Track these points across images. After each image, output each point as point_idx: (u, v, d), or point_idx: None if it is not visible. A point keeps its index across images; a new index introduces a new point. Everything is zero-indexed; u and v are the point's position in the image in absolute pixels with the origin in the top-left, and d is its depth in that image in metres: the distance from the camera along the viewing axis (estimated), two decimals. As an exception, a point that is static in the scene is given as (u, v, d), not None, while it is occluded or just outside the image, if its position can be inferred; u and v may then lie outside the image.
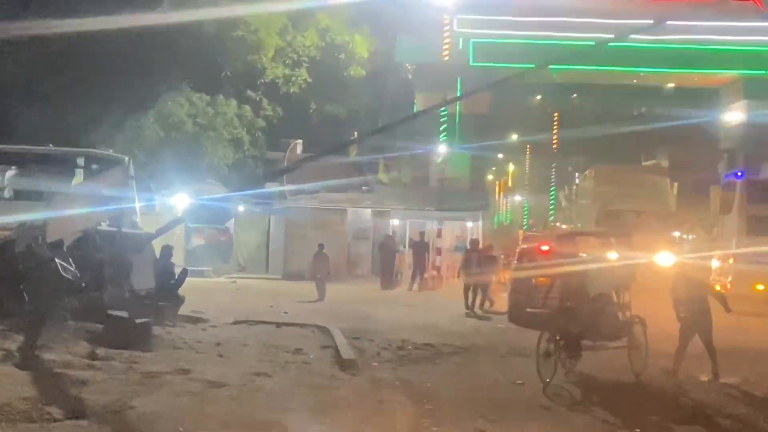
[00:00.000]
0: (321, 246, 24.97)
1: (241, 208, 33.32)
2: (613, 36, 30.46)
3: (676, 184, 44.86)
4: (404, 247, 35.13)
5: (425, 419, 11.40)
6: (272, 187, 32.73)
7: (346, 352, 16.09)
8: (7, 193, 24.47)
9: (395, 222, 36.10)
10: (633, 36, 32.21)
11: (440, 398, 12.77)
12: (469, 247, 29.65)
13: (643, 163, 34.86)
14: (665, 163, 37.76)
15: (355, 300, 26.16)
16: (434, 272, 33.15)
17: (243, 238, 34.66)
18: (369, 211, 36.02)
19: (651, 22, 30.75)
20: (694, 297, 14.17)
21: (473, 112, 42.50)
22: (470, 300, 25.03)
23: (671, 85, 44.64)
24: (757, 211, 26.79)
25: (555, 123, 49.14)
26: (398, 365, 15.85)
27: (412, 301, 28.58)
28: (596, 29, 33.92)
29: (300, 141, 37.99)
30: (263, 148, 36.31)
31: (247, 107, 34.60)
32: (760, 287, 23.73)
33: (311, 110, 38.45)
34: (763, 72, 40.64)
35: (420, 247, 33.43)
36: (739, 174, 28.46)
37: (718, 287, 23.27)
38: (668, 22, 33.90)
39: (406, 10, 34.95)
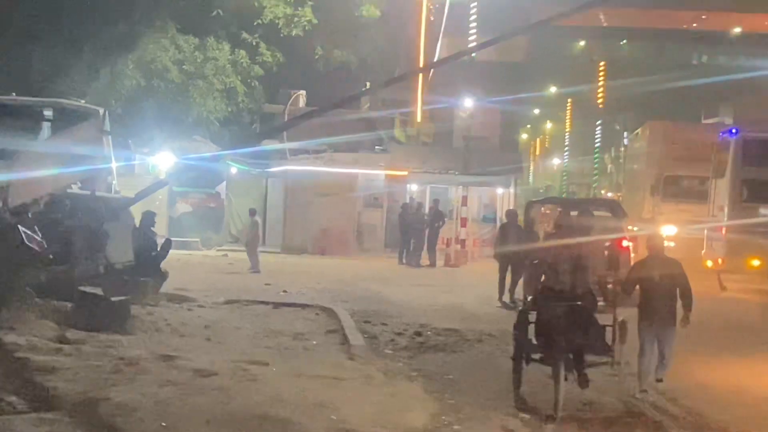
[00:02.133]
0: (252, 211, 24.19)
1: (234, 170, 33.33)
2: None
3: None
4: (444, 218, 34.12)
5: (446, 416, 11.35)
6: (270, 145, 32.73)
7: (355, 338, 16.02)
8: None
9: (413, 188, 35.92)
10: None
11: (463, 392, 12.66)
12: (506, 220, 27.02)
13: (704, 121, 34.57)
14: (729, 121, 37.58)
15: (365, 277, 26.10)
16: (458, 246, 32.81)
17: (236, 204, 34.63)
18: (383, 174, 35.80)
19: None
20: (664, 286, 13.07)
21: (507, 60, 42.69)
22: (506, 287, 23.20)
23: (738, 29, 44.64)
24: (755, 174, 26.68)
25: (601, 74, 49.00)
26: (415, 353, 15.86)
27: (433, 279, 28.48)
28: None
29: (303, 92, 37.98)
30: (260, 100, 36.30)
31: (242, 52, 34.47)
32: (756, 262, 23.54)
33: (316, 56, 38.26)
34: None
35: (435, 217, 32.21)
36: (734, 131, 28.09)
37: (709, 263, 24.94)
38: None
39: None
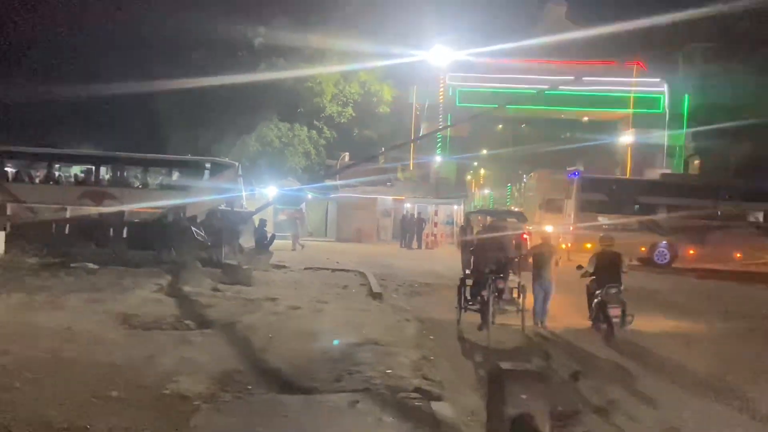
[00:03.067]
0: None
1: (309, 196, 33.47)
2: (548, 86, 29.95)
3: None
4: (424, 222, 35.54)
5: (425, 331, 11.57)
6: (329, 182, 32.98)
7: (375, 288, 16.70)
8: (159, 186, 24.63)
9: (407, 205, 36.44)
10: (561, 86, 31.66)
11: (434, 319, 12.95)
12: (464, 224, 28.33)
13: (567, 169, 34.45)
14: (581, 169, 37.12)
15: (381, 255, 26.36)
16: (432, 237, 33.39)
17: (311, 214, 34.74)
18: (390, 198, 36.22)
19: (572, 78, 30.57)
20: (547, 259, 13.23)
21: (458, 135, 42.76)
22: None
23: (586, 119, 44.33)
24: (587, 198, 27.35)
25: (511, 143, 48.66)
26: (409, 297, 16.30)
27: (419, 256, 28.54)
28: (537, 82, 33.51)
29: (347, 153, 38.47)
30: (323, 158, 36.64)
31: (314, 132, 35.08)
32: (588, 245, 24.16)
33: (354, 133, 38.68)
34: (646, 111, 40.52)
35: (420, 221, 33.66)
36: (576, 174, 29.17)
37: (564, 246, 25.40)
38: (583, 78, 33.72)
39: (416, 69, 34.77)
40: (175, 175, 26.61)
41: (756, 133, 35.50)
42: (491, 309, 11.11)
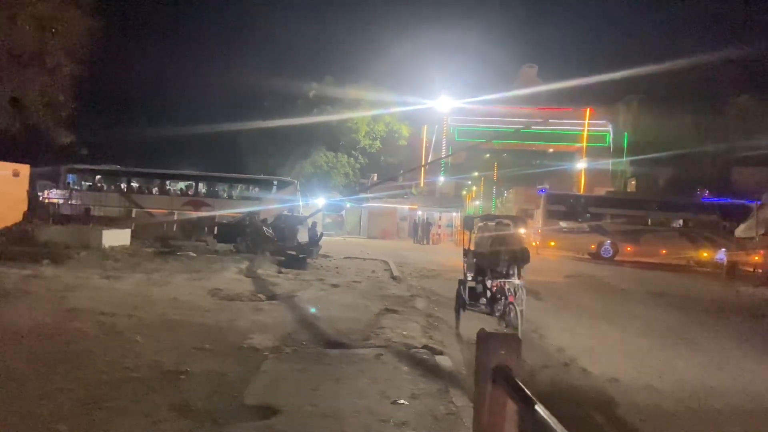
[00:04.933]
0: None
1: (348, 205, 33.56)
2: (522, 126, 29.85)
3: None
4: (435, 224, 36.03)
5: (433, 305, 11.45)
6: (362, 195, 33.05)
7: (395, 272, 16.43)
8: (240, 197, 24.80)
9: (419, 212, 36.27)
10: (532, 126, 31.57)
11: (440, 295, 12.89)
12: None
13: (537, 187, 34.31)
14: (548, 187, 36.83)
15: (400, 248, 26.32)
16: (437, 236, 33.30)
17: (349, 218, 34.75)
18: (407, 207, 36.18)
19: (541, 120, 30.54)
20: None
21: (457, 162, 42.57)
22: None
23: (551, 150, 43.99)
24: (552, 208, 27.38)
25: (495, 168, 48.36)
26: (420, 279, 16.06)
27: (427, 250, 28.37)
28: (515, 123, 33.42)
29: (375, 174, 38.42)
30: (359, 177, 36.62)
31: (351, 159, 34.98)
32: (552, 243, 24.08)
33: (381, 160, 38.63)
34: (595, 144, 40.55)
35: (427, 225, 33.48)
36: (544, 190, 29.29)
37: (533, 244, 25.18)
38: (549, 120, 33.58)
39: (426, 113, 34.79)
40: (252, 189, 26.89)
41: (676, 161, 35.15)
42: (505, 310, 8.37)
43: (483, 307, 8.83)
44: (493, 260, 8.79)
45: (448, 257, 23.62)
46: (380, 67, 36.73)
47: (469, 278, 9.25)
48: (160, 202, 25.36)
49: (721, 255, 24.62)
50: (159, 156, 31.02)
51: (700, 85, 38.40)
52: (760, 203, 22.73)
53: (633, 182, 42.19)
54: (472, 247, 9.52)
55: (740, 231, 23.48)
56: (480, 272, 9.08)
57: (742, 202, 25.86)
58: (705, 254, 26.29)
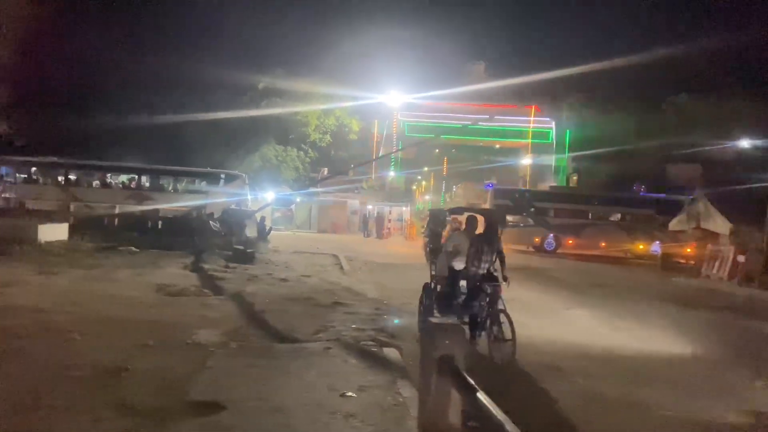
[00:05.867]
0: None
1: (298, 199, 33.27)
2: (470, 122, 30.30)
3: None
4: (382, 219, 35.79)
5: (383, 299, 11.37)
6: (312, 190, 32.77)
7: (345, 266, 16.60)
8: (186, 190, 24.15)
9: (369, 207, 36.28)
10: (480, 122, 32.08)
11: (391, 288, 12.99)
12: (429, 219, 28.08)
13: (484, 182, 34.88)
14: (495, 182, 37.51)
15: (350, 242, 26.35)
16: (386, 230, 33.35)
17: (299, 212, 34.47)
18: (357, 201, 36.10)
19: (488, 116, 31.09)
20: None
21: (407, 157, 42.84)
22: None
23: (497, 146, 44.83)
24: (498, 203, 27.40)
25: (444, 163, 48.88)
26: (370, 272, 16.15)
27: (377, 244, 28.48)
28: (463, 119, 33.96)
29: (326, 168, 38.05)
30: (308, 171, 36.23)
31: (301, 152, 34.50)
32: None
33: (331, 154, 38.32)
34: (539, 141, 41.53)
35: (379, 219, 33.43)
36: (490, 185, 29.14)
37: None
38: (495, 116, 34.28)
39: (377, 108, 34.77)
40: (198, 183, 26.25)
41: (616, 158, 36.46)
42: (485, 322, 7.24)
43: (457, 316, 7.59)
44: (475, 260, 7.61)
45: (398, 251, 23.78)
46: (331, 62, 36.40)
47: (439, 281, 8.19)
48: (100, 195, 24.45)
49: (656, 247, 25.75)
50: (101, 148, 29.77)
51: (639, 85, 39.99)
52: (692, 198, 23.87)
53: (575, 178, 43.54)
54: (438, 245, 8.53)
55: (674, 224, 24.59)
56: (455, 275, 7.92)
57: (676, 197, 27.12)
58: (641, 246, 27.43)
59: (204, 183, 25.38)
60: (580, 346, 8.24)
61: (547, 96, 42.64)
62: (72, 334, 6.67)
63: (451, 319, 7.10)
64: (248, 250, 16.07)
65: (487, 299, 7.37)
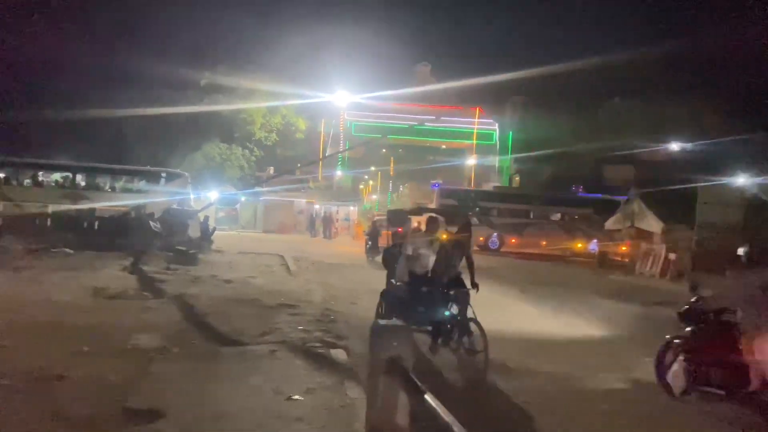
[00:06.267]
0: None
1: (243, 199, 32.68)
2: (417, 123, 30.61)
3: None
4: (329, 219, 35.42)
5: (331, 299, 11.20)
6: (258, 189, 32.23)
7: (292, 267, 16.32)
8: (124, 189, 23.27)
9: (317, 206, 36.04)
10: (426, 123, 32.44)
11: (338, 288, 12.94)
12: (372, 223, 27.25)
13: (431, 182, 35.41)
14: (440, 182, 38.13)
15: (297, 242, 26.10)
16: (334, 229, 33.19)
17: (244, 212, 33.86)
18: (304, 201, 35.76)
19: (434, 117, 31.53)
20: None
21: (354, 156, 42.82)
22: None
23: (443, 146, 45.45)
24: (444, 202, 28.00)
25: (391, 163, 49.17)
26: (317, 272, 15.92)
27: (325, 244, 28.33)
28: (409, 119, 34.23)
29: (272, 167, 37.50)
30: (254, 170, 35.63)
31: (246, 151, 33.83)
32: (444, 236, 25.36)
33: (277, 153, 37.81)
34: (483, 142, 42.38)
35: (328, 218, 33.14)
36: (437, 185, 30.15)
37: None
38: (441, 117, 34.74)
39: (324, 107, 34.64)
40: (137, 182, 25.38)
41: (555, 159, 37.66)
42: (452, 331, 6.87)
43: (420, 323, 7.10)
44: (442, 264, 7.14)
45: (346, 251, 23.69)
46: (277, 60, 35.96)
47: (399, 286, 7.57)
48: (31, 194, 23.34)
49: (594, 246, 26.74)
50: (32, 144, 28.35)
51: (577, 89, 41.45)
52: (627, 198, 24.89)
53: (517, 178, 44.71)
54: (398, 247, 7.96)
55: (610, 224, 25.58)
56: (417, 279, 7.34)
57: (612, 197, 28.22)
58: (580, 245, 28.41)
59: (144, 182, 24.56)
60: (521, 335, 8.83)
61: (491, 98, 43.62)
62: (0, 341, 6.32)
63: (414, 327, 6.73)
64: (191, 251, 15.67)
65: (455, 307, 6.93)
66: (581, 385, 6.53)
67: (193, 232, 18.56)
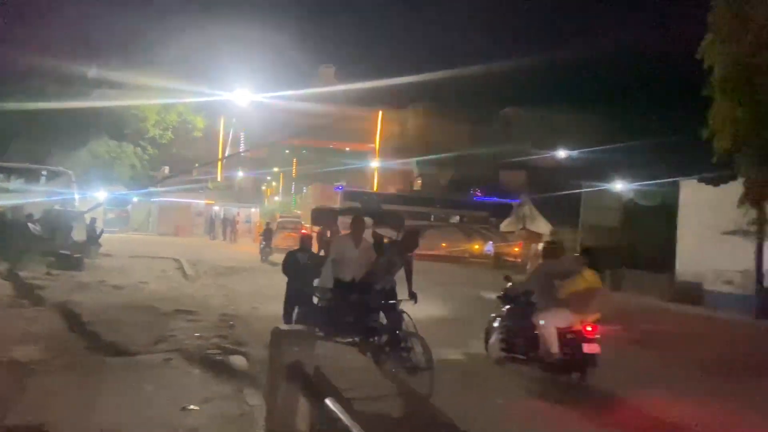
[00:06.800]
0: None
1: (135, 199, 31.04)
2: (319, 124, 30.71)
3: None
4: (244, 222, 34.49)
5: (230, 304, 11.09)
6: (152, 189, 30.77)
7: (189, 271, 15.83)
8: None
9: (216, 208, 35.04)
10: (330, 125, 32.66)
11: (238, 292, 12.73)
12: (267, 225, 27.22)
13: (334, 184, 35.61)
14: (344, 184, 38.36)
15: (195, 245, 25.30)
16: (235, 231, 32.53)
17: (136, 214, 32.15)
18: (203, 202, 34.62)
19: (339, 119, 31.92)
20: None
21: (257, 157, 42.00)
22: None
23: (347, 148, 45.72)
24: (347, 205, 28.18)
25: (294, 164, 48.72)
26: (216, 277, 15.57)
27: (224, 247, 27.60)
28: (314, 121, 34.10)
29: (167, 167, 35.78)
30: (147, 169, 33.80)
31: (138, 149, 31.99)
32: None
33: (173, 151, 36.14)
34: (388, 145, 43.41)
35: (230, 221, 32.37)
36: (340, 187, 30.28)
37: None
38: (345, 120, 35.13)
39: (225, 106, 33.64)
40: (14, 180, 23.44)
41: (455, 163, 39.14)
42: (388, 346, 6.32)
43: (344, 335, 6.63)
44: (380, 271, 6.65)
45: (248, 254, 23.20)
46: (174, 55, 34.50)
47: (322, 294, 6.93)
48: None
49: (489, 247, 28.04)
50: None
51: (476, 96, 43.36)
52: (520, 202, 26.39)
53: (419, 182, 46.02)
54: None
55: (504, 226, 27.01)
56: (343, 287, 6.67)
57: (507, 200, 29.78)
58: (477, 247, 29.70)
59: (21, 180, 22.75)
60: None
61: (394, 102, 44.53)
62: None
63: (341, 342, 6.61)
64: (75, 255, 14.71)
65: (390, 319, 6.43)
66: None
67: (78, 234, 17.40)
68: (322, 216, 9.56)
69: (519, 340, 7.01)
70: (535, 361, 6.78)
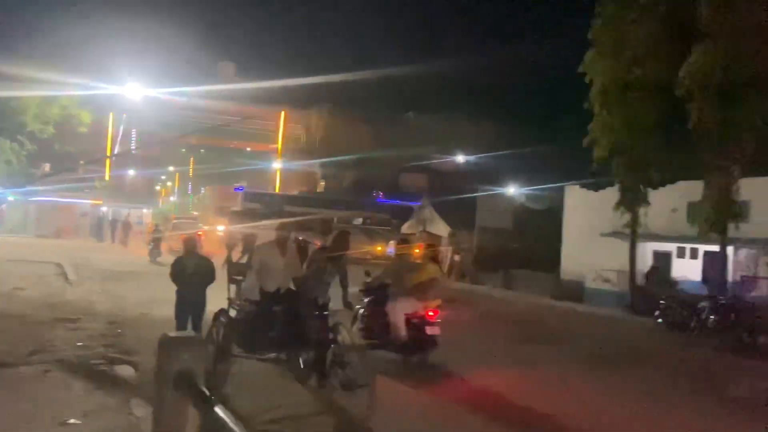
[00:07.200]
0: None
1: (10, 198, 28.61)
2: (220, 123, 29.91)
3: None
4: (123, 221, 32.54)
5: (117, 311, 10.47)
6: (31, 188, 28.55)
7: (72, 276, 14.86)
8: None
9: (104, 208, 33.01)
10: (231, 125, 31.91)
11: (127, 298, 12.05)
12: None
13: (234, 185, 34.79)
14: (245, 185, 37.61)
15: (79, 249, 23.81)
16: (127, 234, 30.86)
17: (12, 214, 29.71)
18: (89, 202, 32.57)
19: (238, 118, 31.22)
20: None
21: (150, 155, 40.10)
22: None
23: (248, 149, 44.91)
24: (248, 206, 28.28)
25: (191, 163, 47.03)
26: (103, 281, 14.64)
27: (113, 249, 26.10)
28: (213, 119, 33.25)
29: (48, 164, 33.35)
30: (25, 166, 31.25)
31: (16, 144, 29.52)
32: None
33: (56, 147, 33.66)
34: (291, 146, 43.28)
35: (124, 222, 30.68)
36: (241, 188, 31.67)
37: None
38: (245, 118, 34.67)
39: (115, 101, 31.90)
40: None
41: (358, 165, 39.53)
42: (322, 362, 5.78)
43: (270, 351, 6.10)
44: (311, 280, 6.30)
45: (139, 257, 22.07)
46: (59, 44, 32.22)
47: (240, 307, 6.33)
48: None
49: (391, 249, 28.54)
50: None
51: (379, 99, 44.06)
52: (421, 204, 27.13)
53: (322, 183, 45.90)
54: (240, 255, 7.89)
55: (405, 228, 27.59)
56: (269, 298, 6.07)
57: (408, 203, 30.46)
58: (380, 248, 30.12)
59: None
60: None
61: (299, 102, 44.17)
62: None
63: (261, 357, 6.08)
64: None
65: (323, 331, 5.88)
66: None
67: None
68: (244, 215, 9.56)
69: (376, 326, 7.85)
70: (389, 344, 7.71)
